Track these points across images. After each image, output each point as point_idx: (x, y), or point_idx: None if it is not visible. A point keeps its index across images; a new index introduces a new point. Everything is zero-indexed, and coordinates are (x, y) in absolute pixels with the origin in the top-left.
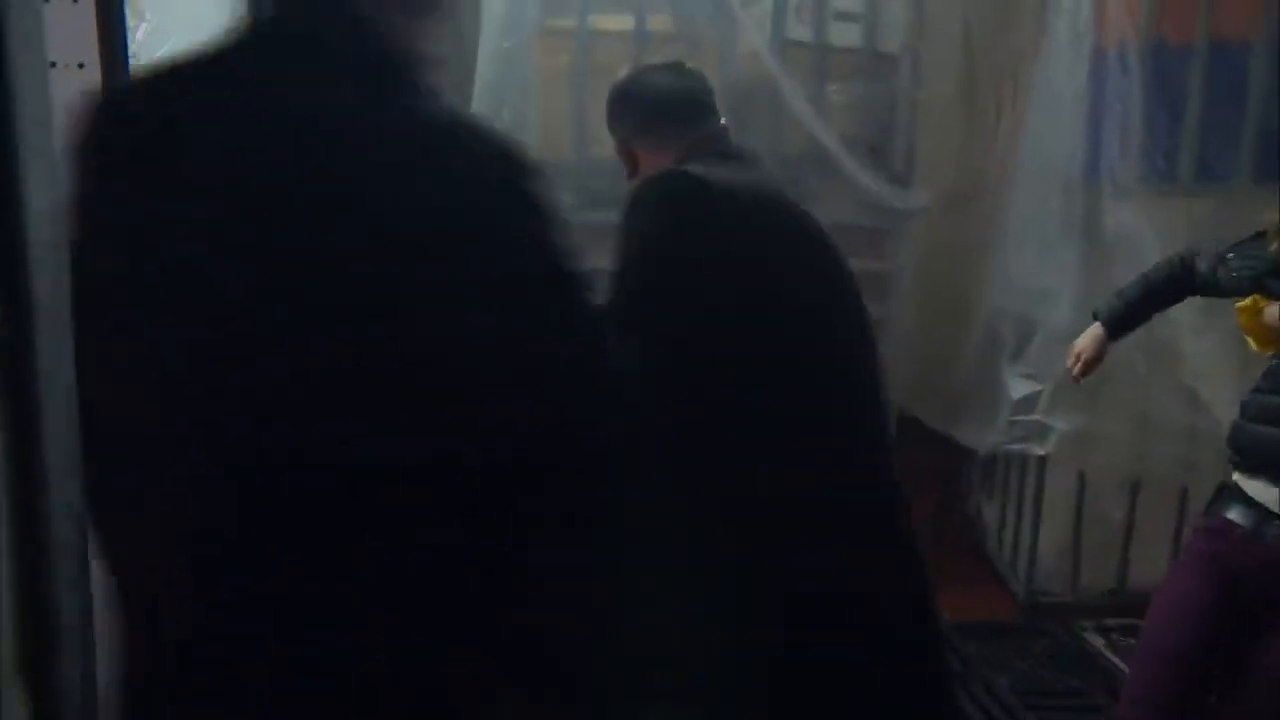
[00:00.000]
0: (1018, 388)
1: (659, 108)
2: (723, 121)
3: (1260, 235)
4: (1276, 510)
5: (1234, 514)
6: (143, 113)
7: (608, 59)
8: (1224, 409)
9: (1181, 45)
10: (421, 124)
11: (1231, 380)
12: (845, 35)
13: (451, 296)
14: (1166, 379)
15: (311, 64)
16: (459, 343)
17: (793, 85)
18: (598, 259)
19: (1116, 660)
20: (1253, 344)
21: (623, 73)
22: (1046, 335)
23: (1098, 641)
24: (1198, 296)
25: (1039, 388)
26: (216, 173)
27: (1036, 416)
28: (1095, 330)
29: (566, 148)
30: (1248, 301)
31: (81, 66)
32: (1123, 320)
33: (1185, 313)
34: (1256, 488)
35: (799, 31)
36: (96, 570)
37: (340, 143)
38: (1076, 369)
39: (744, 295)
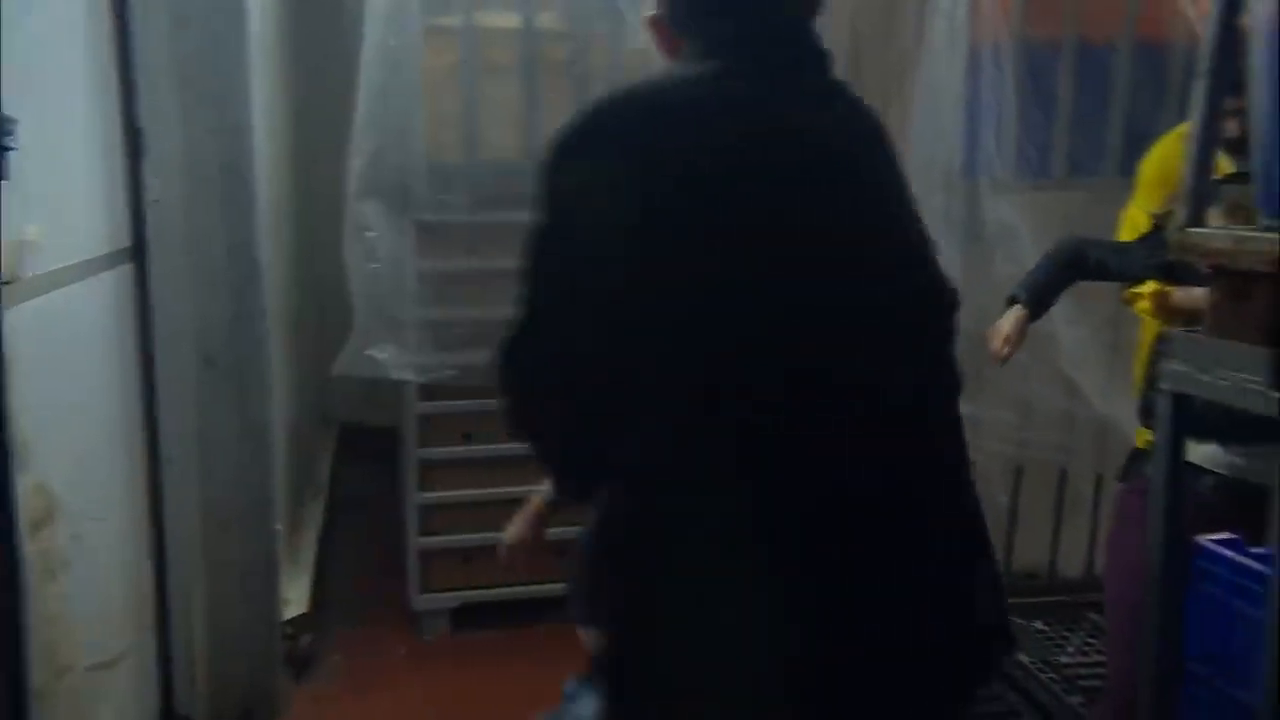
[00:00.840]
0: None
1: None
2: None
3: (1159, 230)
4: (1195, 461)
5: None
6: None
7: (496, 58)
8: (1098, 396)
9: (1050, 45)
10: (863, 109)
11: (1103, 368)
12: None
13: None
14: (1045, 368)
15: (797, 80)
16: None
17: None
18: (495, 257)
19: None
20: (1150, 327)
21: None
22: None
23: None
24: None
25: None
26: (776, 161)
27: None
28: (1017, 312)
29: (456, 149)
30: (1149, 287)
31: None
32: (1042, 299)
33: (1060, 303)
34: None
35: None
36: None
37: (838, 129)
38: (1005, 350)
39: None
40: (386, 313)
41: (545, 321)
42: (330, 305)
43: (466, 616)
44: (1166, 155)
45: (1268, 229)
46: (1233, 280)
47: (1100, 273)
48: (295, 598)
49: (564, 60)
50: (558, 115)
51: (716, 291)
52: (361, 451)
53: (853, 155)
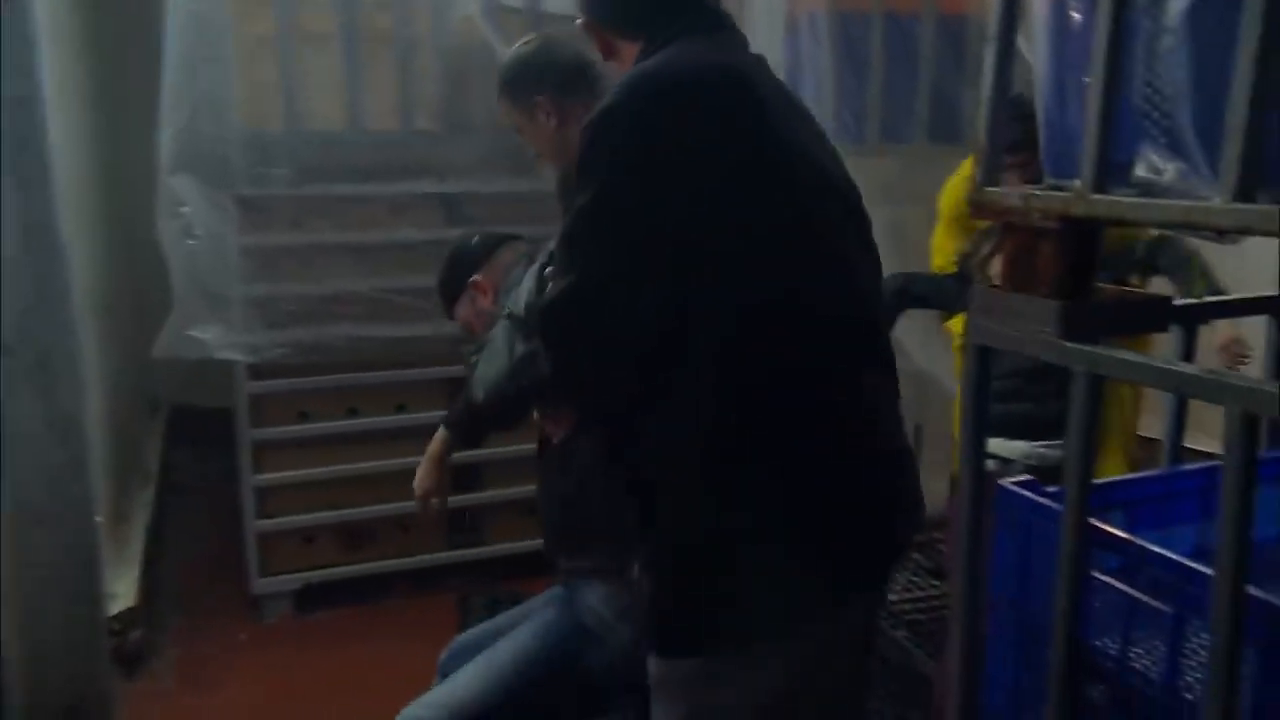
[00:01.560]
0: None
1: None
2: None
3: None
4: (1009, 456)
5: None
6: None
7: (315, 25)
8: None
9: (862, 15)
10: None
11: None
12: (557, 2)
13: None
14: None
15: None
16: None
17: (509, 52)
18: (321, 231)
19: None
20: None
21: None
22: None
23: None
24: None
25: None
26: (784, 103)
27: None
28: None
29: (276, 119)
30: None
31: None
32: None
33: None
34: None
35: None
36: None
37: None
38: None
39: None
40: (209, 291)
41: (601, 292)
42: (151, 286)
43: (310, 598)
44: (958, 190)
45: (1053, 188)
46: (1023, 236)
47: (924, 304)
48: (122, 592)
49: (387, 28)
50: (382, 85)
51: (803, 246)
52: (194, 434)
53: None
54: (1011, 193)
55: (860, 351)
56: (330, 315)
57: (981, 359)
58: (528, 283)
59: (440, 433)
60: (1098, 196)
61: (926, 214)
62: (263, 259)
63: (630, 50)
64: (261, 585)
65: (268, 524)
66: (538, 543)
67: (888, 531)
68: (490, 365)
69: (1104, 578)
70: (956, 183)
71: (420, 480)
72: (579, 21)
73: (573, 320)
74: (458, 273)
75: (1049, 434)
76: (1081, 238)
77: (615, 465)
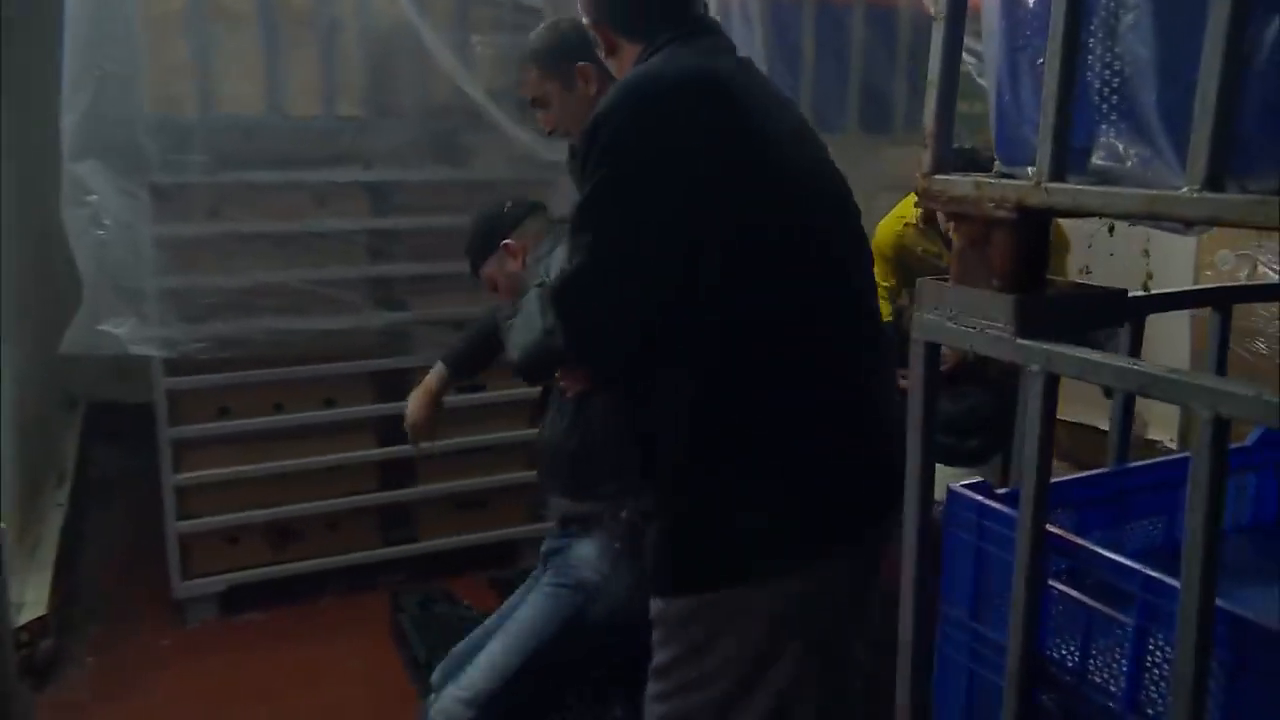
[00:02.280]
0: None
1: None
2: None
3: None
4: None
5: None
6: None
7: (230, 4)
8: None
9: (792, 2)
10: None
11: None
12: None
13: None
14: None
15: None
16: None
17: (435, 36)
18: (240, 219)
19: None
20: None
21: None
22: None
23: None
24: None
25: None
26: (766, 101)
27: None
28: None
29: (189, 103)
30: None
31: None
32: None
33: None
34: None
35: None
36: None
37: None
38: None
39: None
40: (120, 283)
41: (607, 273)
42: (67, 278)
43: (236, 600)
44: (886, 231)
45: (1002, 175)
46: (974, 226)
47: None
48: (32, 599)
49: (307, 7)
50: (303, 67)
51: (800, 237)
52: (114, 431)
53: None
54: (962, 180)
55: (848, 335)
56: (252, 308)
57: (930, 357)
58: (560, 253)
59: (438, 368)
60: (1055, 185)
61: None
62: (178, 250)
63: (630, 51)
64: (184, 588)
65: (189, 525)
66: (470, 538)
67: (868, 491)
68: (525, 331)
69: (1062, 587)
70: (889, 222)
71: (413, 413)
72: (585, 20)
73: (579, 298)
74: (491, 234)
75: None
76: (1035, 228)
77: (623, 420)
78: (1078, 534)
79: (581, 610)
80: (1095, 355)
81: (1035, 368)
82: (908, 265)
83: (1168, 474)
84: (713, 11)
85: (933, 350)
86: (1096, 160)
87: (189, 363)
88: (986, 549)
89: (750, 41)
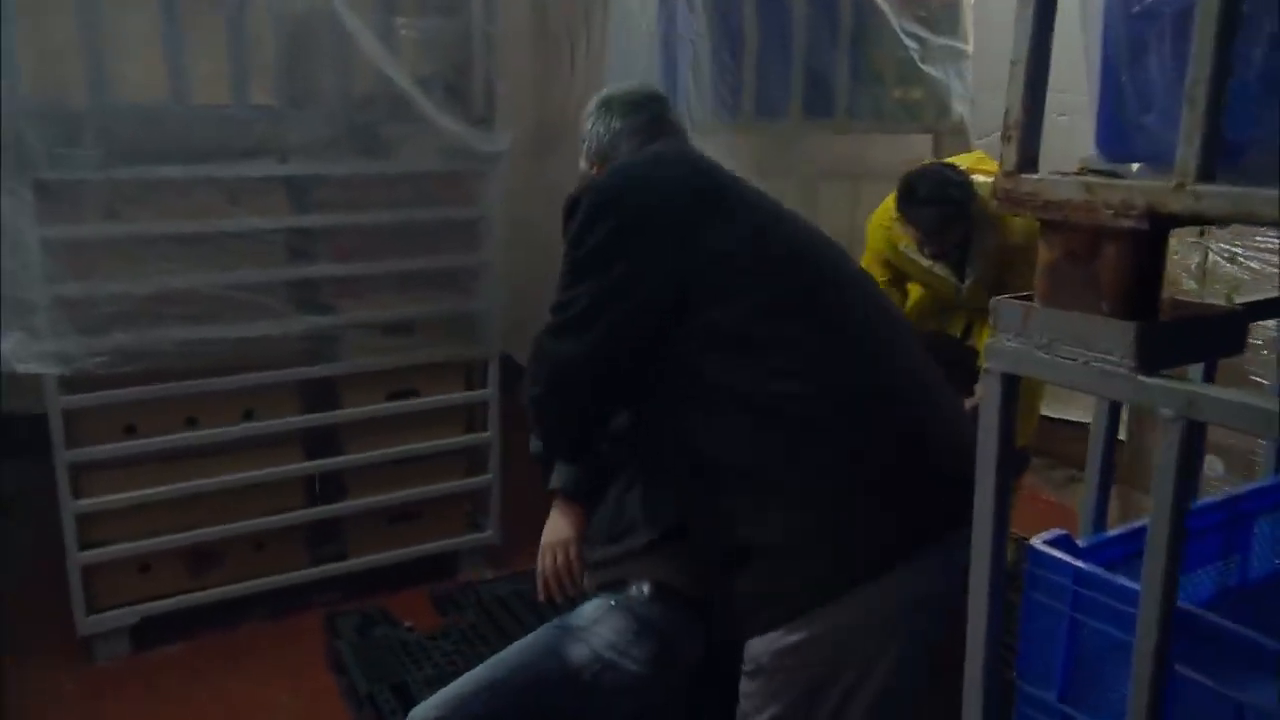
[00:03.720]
0: None
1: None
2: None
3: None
4: None
5: None
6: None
7: None
8: None
9: None
10: None
11: None
12: None
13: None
14: None
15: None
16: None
17: (357, 19)
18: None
19: None
20: None
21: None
22: None
23: None
24: None
25: None
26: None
27: None
28: None
29: (82, 90)
30: None
31: None
32: None
33: None
34: None
35: None
36: None
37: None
38: None
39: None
40: (5, 293)
41: (591, 320)
42: None
43: (150, 633)
44: (883, 224)
45: (1096, 173)
46: (1075, 237)
47: None
48: None
49: None
50: (208, 50)
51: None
52: (16, 446)
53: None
54: (1065, 180)
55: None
56: (158, 316)
57: (1008, 391)
58: None
59: (569, 507)
60: (1206, 188)
61: (799, 187)
62: (72, 254)
63: None
64: (90, 623)
65: (94, 554)
66: (404, 552)
67: (914, 507)
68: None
69: (1196, 676)
70: (881, 218)
71: (558, 568)
72: (584, 164)
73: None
74: None
75: None
76: (1156, 241)
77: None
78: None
79: (563, 647)
80: (1246, 398)
81: (1169, 413)
82: (897, 264)
83: (1239, 509)
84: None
85: (1010, 383)
86: (1254, 157)
87: (89, 378)
88: (1084, 621)
89: (691, 25)
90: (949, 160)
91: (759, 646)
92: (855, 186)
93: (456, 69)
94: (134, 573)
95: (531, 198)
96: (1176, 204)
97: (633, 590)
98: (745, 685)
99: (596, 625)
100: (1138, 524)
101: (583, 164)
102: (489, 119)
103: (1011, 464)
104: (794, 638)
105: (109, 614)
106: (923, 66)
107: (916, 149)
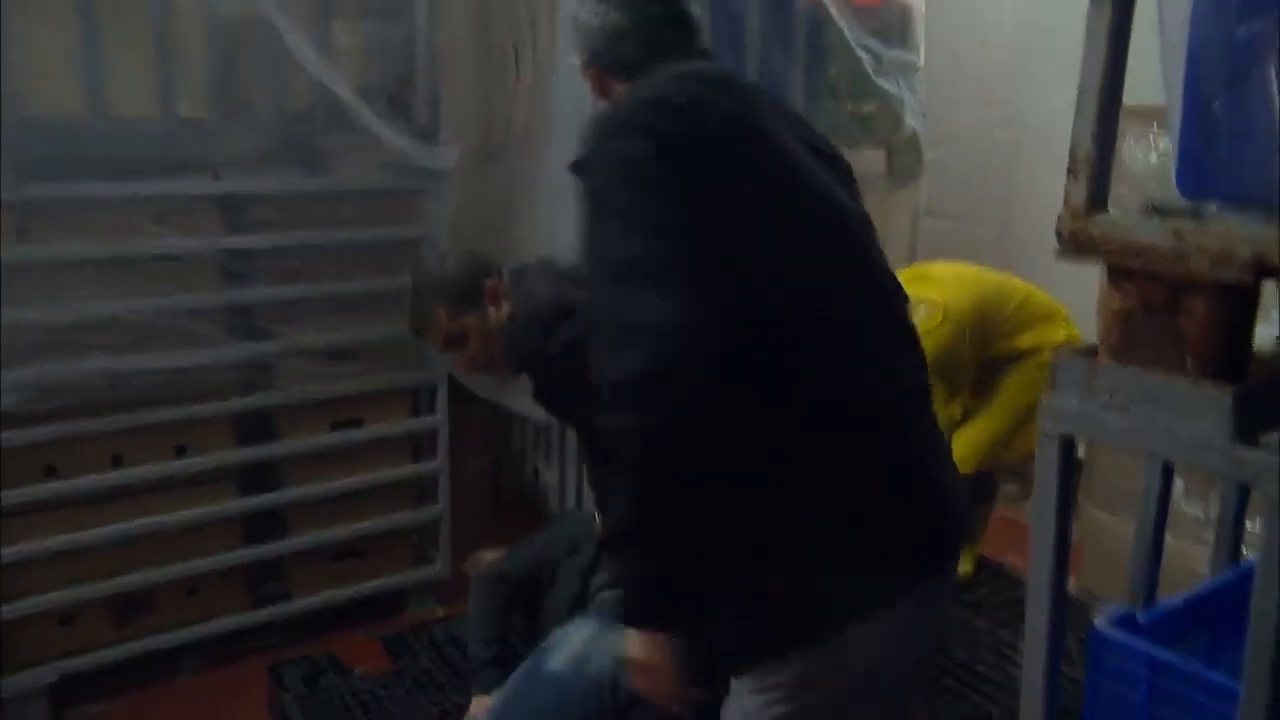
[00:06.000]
0: None
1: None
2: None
3: None
4: None
5: None
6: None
7: None
8: None
9: None
10: None
11: None
12: None
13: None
14: None
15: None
16: None
17: (293, 25)
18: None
19: None
20: None
21: None
22: None
23: None
24: None
25: None
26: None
27: None
28: None
29: None
30: None
31: None
32: None
33: None
34: None
35: None
36: None
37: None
38: None
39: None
40: None
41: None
42: None
43: (73, 690)
44: None
45: (1166, 213)
46: (1150, 287)
47: None
48: None
49: None
50: (130, 61)
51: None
52: None
53: None
54: (1147, 224)
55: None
56: (80, 346)
57: (1066, 454)
58: None
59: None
60: None
61: None
62: None
63: (623, 89)
64: (7, 685)
65: (10, 609)
66: (350, 591)
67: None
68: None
69: None
70: None
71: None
72: (576, 63)
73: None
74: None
75: None
76: (1249, 295)
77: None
78: (1211, 660)
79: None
80: None
81: (1275, 491)
82: None
83: None
84: None
85: (1069, 449)
86: None
87: (3, 416)
88: (1164, 713)
89: None
90: None
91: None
92: None
93: (399, 79)
94: (54, 625)
95: (475, 212)
96: None
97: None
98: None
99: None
100: (1199, 590)
101: (576, 59)
102: (433, 132)
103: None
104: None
105: (26, 674)
106: (876, 80)
107: (870, 164)
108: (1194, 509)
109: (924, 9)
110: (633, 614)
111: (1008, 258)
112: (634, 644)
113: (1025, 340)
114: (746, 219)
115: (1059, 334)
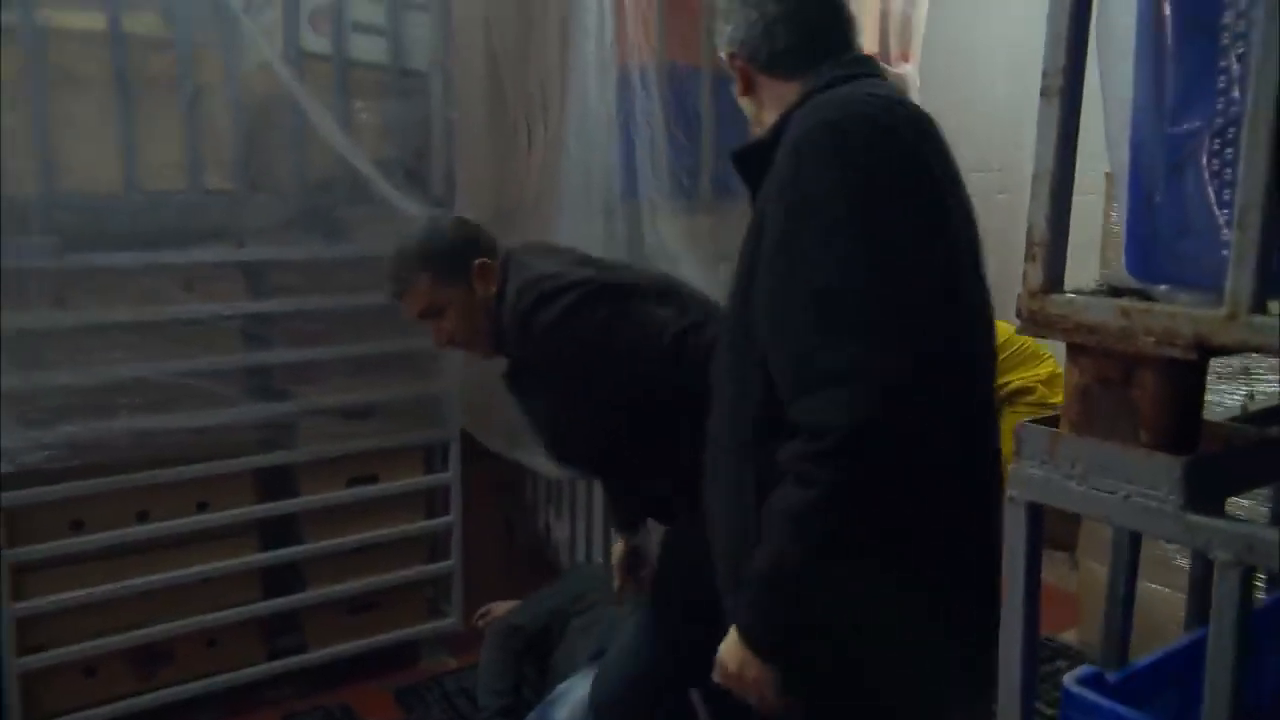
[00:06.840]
0: None
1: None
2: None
3: None
4: None
5: None
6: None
7: (74, 64)
8: None
9: (692, 69)
10: None
11: None
12: (367, 49)
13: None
14: None
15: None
16: None
17: (315, 103)
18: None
19: None
20: None
21: None
22: None
23: None
24: None
25: None
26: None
27: None
28: None
29: (31, 177)
30: None
31: None
32: None
33: None
34: None
35: (315, 43)
36: None
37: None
38: None
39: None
40: None
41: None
42: None
43: None
44: None
45: (1124, 293)
46: (1105, 363)
47: None
48: None
49: (166, 72)
50: (163, 137)
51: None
52: None
53: None
54: (1098, 303)
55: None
56: (109, 407)
57: (1034, 521)
58: None
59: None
60: (1263, 319)
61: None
62: (18, 345)
63: (780, 89)
64: None
65: (35, 659)
66: (365, 643)
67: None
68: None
69: None
70: None
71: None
72: (723, 54)
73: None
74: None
75: None
76: (1198, 369)
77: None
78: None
79: None
80: None
81: (1226, 556)
82: None
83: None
84: (611, 78)
85: (1036, 513)
86: None
87: (33, 473)
88: None
89: (651, 108)
90: None
91: None
92: None
93: (416, 153)
94: (78, 676)
95: None
96: (1228, 335)
97: None
98: None
99: None
100: (1169, 649)
101: (722, 51)
102: (448, 203)
103: (1038, 601)
104: None
105: None
106: None
107: None
108: (1186, 561)
109: (919, 81)
110: (758, 639)
111: (1006, 313)
112: (737, 653)
113: (1014, 382)
114: (953, 262)
115: (1044, 371)
